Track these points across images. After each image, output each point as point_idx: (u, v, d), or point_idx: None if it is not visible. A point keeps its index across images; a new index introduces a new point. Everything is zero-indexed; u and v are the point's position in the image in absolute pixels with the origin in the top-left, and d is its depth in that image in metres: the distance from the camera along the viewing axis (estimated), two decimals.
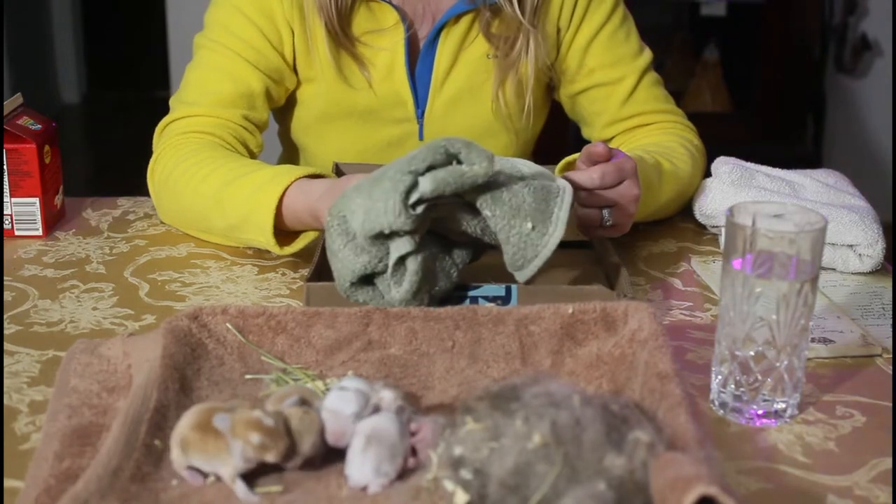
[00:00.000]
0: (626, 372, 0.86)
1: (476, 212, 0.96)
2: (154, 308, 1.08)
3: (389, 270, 0.94)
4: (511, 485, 0.68)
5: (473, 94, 1.38)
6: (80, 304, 1.08)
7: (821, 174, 1.32)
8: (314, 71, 1.35)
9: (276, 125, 1.51)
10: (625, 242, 1.23)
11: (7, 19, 4.33)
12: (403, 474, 0.75)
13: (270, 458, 0.73)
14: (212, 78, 1.32)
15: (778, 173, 1.31)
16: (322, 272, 1.03)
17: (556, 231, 0.95)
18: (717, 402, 0.89)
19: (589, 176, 1.05)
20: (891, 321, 1.05)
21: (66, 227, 1.32)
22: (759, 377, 0.85)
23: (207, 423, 0.74)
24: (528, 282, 0.98)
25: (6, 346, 0.99)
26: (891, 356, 0.99)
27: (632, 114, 1.40)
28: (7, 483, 0.76)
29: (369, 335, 0.90)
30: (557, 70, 1.41)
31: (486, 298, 0.99)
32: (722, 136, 2.04)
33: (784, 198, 1.23)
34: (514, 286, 0.99)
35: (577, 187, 1.03)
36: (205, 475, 0.75)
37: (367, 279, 0.97)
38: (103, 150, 4.77)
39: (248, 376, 0.88)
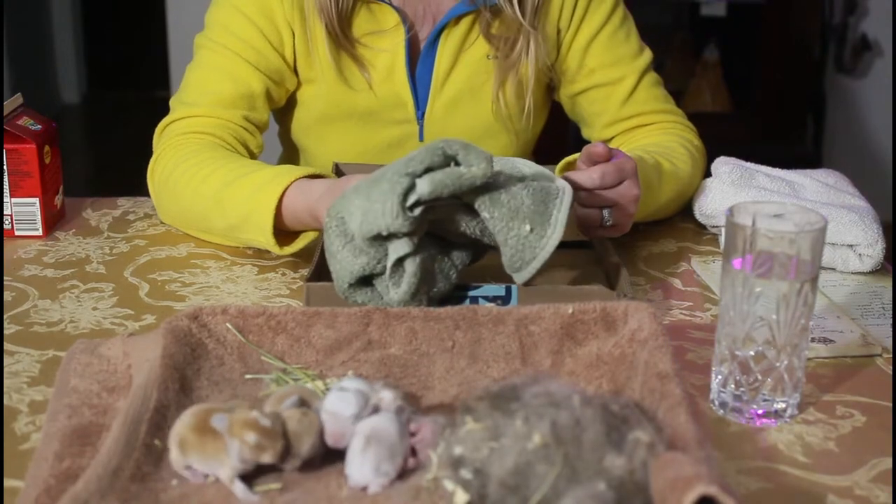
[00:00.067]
0: (626, 372, 0.86)
1: (475, 213, 0.96)
2: (154, 308, 1.08)
3: (388, 272, 0.94)
4: (511, 485, 0.68)
5: (474, 96, 1.38)
6: (80, 304, 1.08)
7: (821, 174, 1.32)
8: (314, 72, 1.35)
9: (276, 126, 1.51)
10: (625, 242, 1.23)
11: (7, 19, 4.33)
12: (403, 474, 0.75)
13: (267, 458, 0.73)
14: (212, 78, 1.32)
15: (778, 173, 1.31)
16: (322, 272, 1.03)
17: (555, 233, 0.95)
18: (717, 402, 0.89)
19: (589, 176, 1.06)
20: (891, 321, 1.05)
21: (66, 227, 1.32)
22: (759, 377, 0.85)
23: (205, 424, 0.74)
24: (527, 283, 0.98)
25: (6, 346, 0.99)
26: (891, 356, 0.99)
27: (632, 114, 1.40)
28: (7, 483, 0.77)
29: (369, 335, 0.90)
30: (557, 70, 1.41)
31: (486, 298, 0.99)
32: (722, 136, 2.03)
33: (784, 198, 1.23)
34: (513, 286, 0.99)
35: (576, 187, 1.03)
36: (205, 473, 0.75)
37: (365, 280, 0.97)
38: (103, 150, 4.77)
39: (248, 376, 0.88)
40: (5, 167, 1.25)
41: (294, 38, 1.33)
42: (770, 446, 0.83)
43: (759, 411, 0.86)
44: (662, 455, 0.70)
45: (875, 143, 3.60)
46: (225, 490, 0.74)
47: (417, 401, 0.86)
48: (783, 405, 0.87)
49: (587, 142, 1.40)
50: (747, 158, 1.33)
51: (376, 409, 0.77)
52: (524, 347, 0.90)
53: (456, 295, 0.99)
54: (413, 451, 0.76)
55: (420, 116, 1.38)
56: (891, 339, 1.01)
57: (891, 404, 0.90)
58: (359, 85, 1.35)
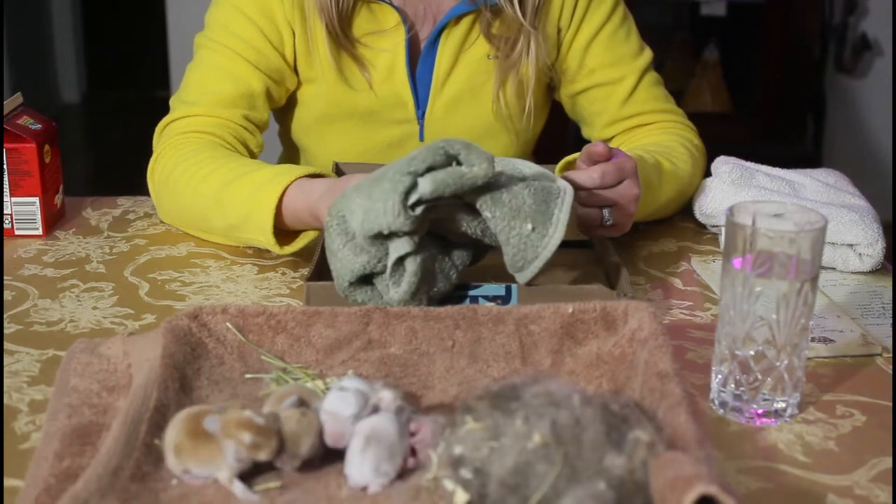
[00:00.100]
0: (626, 371, 0.86)
1: (476, 213, 0.96)
2: (154, 307, 1.08)
3: (388, 271, 0.94)
4: (511, 484, 0.68)
5: (474, 95, 1.38)
6: (80, 304, 1.08)
7: (821, 174, 1.32)
8: (315, 72, 1.35)
9: (276, 125, 1.51)
10: (625, 242, 1.23)
11: (7, 19, 4.33)
12: (403, 474, 0.75)
13: (263, 456, 0.73)
14: (212, 78, 1.32)
15: (778, 173, 1.31)
16: (322, 272, 1.03)
17: (557, 232, 0.95)
18: (717, 402, 0.89)
19: (589, 175, 1.06)
20: (891, 320, 1.05)
21: (66, 226, 1.32)
22: (759, 376, 0.85)
23: (198, 428, 0.74)
24: (529, 283, 0.98)
25: (6, 345, 0.99)
26: (891, 356, 0.99)
27: (632, 113, 1.40)
28: (7, 482, 0.77)
29: (369, 334, 0.90)
30: (558, 70, 1.41)
31: (486, 298, 0.99)
32: (722, 136, 2.03)
33: (784, 197, 1.23)
34: (514, 286, 0.99)
35: (577, 187, 1.03)
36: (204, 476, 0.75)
37: (365, 279, 0.97)
38: (103, 150, 4.77)
39: (248, 376, 0.88)
40: (5, 166, 1.25)
41: (294, 37, 1.33)
42: (770, 446, 0.83)
43: (759, 411, 0.86)
44: (662, 454, 0.70)
45: (875, 142, 3.60)
46: (225, 490, 0.74)
47: (417, 400, 0.85)
48: (783, 405, 0.87)
49: (587, 141, 1.40)
50: (747, 158, 1.33)
51: (376, 409, 0.77)
52: (524, 347, 0.89)
53: (456, 294, 0.99)
54: (413, 451, 0.76)
55: (420, 116, 1.38)
56: (891, 338, 1.01)
57: (891, 404, 0.90)
58: (359, 85, 1.35)
